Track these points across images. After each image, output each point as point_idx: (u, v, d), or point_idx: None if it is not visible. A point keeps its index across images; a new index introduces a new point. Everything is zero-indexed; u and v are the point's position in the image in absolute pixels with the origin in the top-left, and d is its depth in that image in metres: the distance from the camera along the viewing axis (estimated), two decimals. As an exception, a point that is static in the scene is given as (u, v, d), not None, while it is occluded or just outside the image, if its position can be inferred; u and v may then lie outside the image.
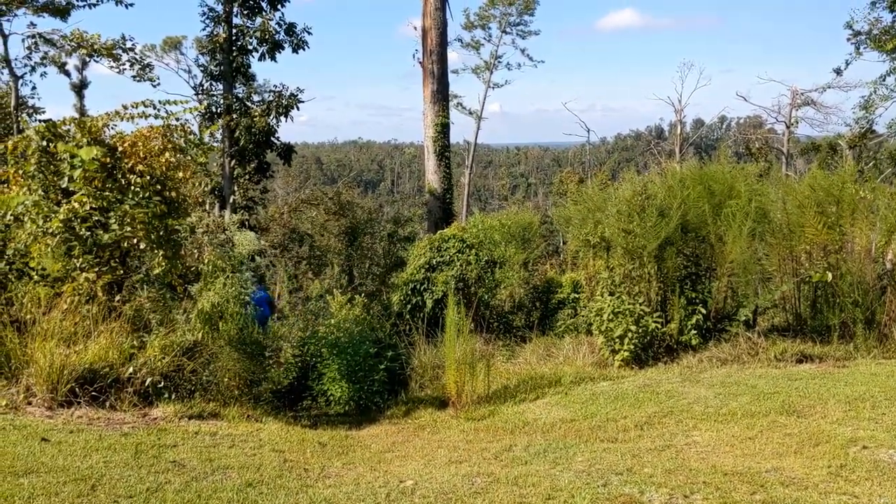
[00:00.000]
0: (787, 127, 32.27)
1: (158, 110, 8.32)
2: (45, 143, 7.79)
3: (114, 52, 20.32)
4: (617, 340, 9.64)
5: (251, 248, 9.23)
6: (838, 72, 27.76)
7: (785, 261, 10.25)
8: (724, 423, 6.40)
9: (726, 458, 5.42)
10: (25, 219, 7.63)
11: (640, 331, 9.54)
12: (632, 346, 9.52)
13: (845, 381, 7.48)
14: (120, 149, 8.01)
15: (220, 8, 21.94)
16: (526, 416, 7.62)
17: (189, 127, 8.64)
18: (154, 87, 21.48)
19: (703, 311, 9.76)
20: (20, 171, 7.96)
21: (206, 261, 9.50)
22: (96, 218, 7.62)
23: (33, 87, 29.05)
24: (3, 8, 20.54)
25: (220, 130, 21.70)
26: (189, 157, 8.48)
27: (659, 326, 9.68)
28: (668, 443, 5.98)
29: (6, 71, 21.67)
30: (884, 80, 24.02)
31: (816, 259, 9.85)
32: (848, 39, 26.11)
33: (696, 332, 9.68)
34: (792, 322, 10.29)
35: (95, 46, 20.18)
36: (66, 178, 7.61)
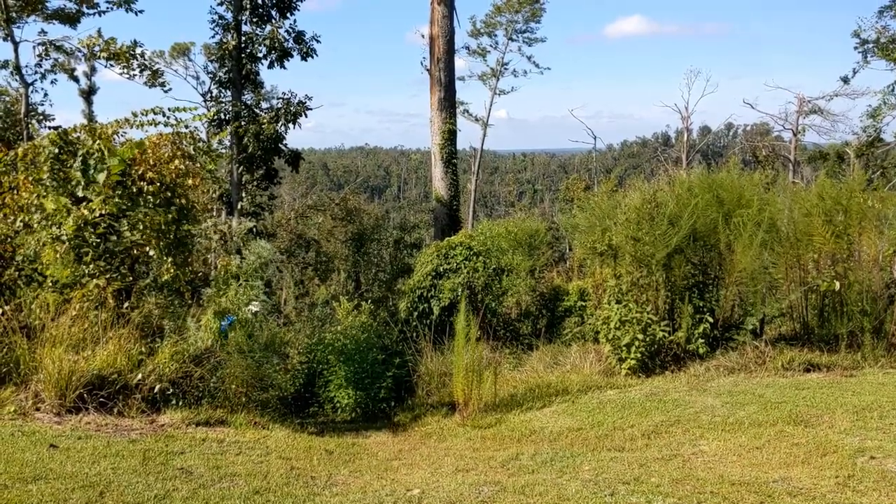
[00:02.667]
0: (795, 134, 32.15)
1: (168, 118, 8.39)
2: (56, 150, 7.85)
3: (127, 56, 20.53)
4: (624, 349, 9.62)
5: (267, 258, 9.28)
6: (846, 80, 27.82)
7: (792, 269, 10.21)
8: (731, 433, 6.39)
9: (733, 467, 5.41)
10: (36, 225, 7.69)
11: (648, 339, 9.51)
12: (639, 355, 9.50)
13: (853, 391, 7.45)
14: (129, 156, 8.06)
15: (229, 16, 22.11)
16: (533, 425, 7.62)
17: (198, 134, 8.71)
18: (165, 92, 21.67)
19: (711, 319, 9.73)
20: (30, 178, 8.03)
21: (218, 267, 9.55)
22: (107, 224, 7.67)
23: (45, 94, 29.16)
24: (14, 15, 20.75)
25: (229, 137, 21.81)
26: (198, 164, 8.54)
27: (666, 335, 9.65)
28: (675, 452, 5.98)
29: (17, 78, 21.88)
30: (892, 89, 24.01)
31: (824, 268, 9.82)
32: (855, 48, 26.20)
33: (703, 340, 9.65)
34: (799, 331, 10.26)
35: (113, 50, 20.37)
36: (79, 186, 7.66)
